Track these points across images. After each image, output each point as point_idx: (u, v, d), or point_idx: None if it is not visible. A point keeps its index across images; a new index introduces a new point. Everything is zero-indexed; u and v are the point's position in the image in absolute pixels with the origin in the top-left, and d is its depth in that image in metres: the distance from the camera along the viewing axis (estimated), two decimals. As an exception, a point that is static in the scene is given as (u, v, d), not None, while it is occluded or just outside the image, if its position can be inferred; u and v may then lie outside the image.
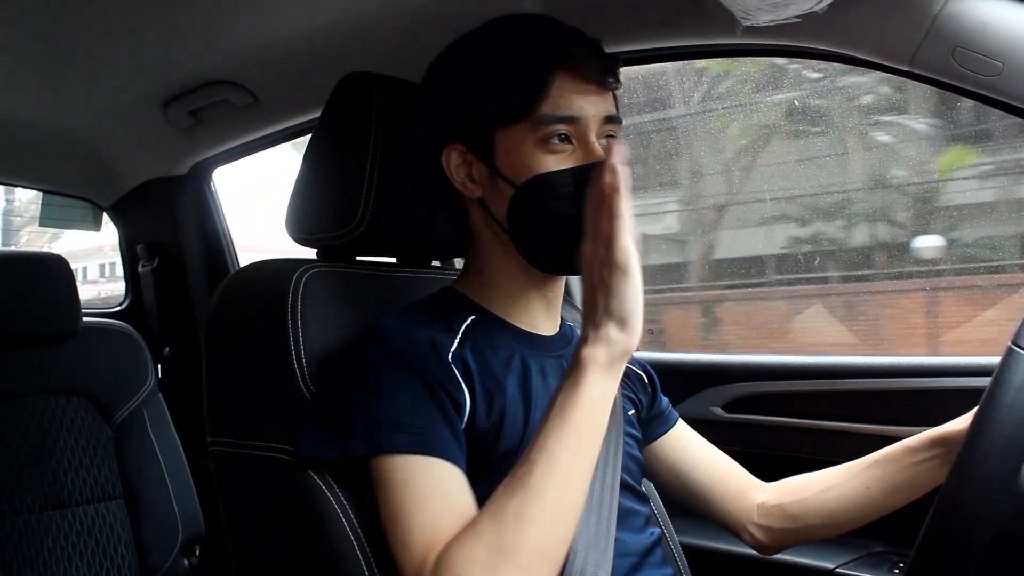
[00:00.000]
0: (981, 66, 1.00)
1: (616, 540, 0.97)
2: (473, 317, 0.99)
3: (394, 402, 0.87)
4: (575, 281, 1.66)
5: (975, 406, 0.84)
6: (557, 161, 0.93)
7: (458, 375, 0.92)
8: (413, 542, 0.82)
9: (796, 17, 1.02)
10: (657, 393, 1.20)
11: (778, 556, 1.34)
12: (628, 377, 1.16)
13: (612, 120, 0.97)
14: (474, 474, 0.90)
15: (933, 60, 1.03)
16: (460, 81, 0.99)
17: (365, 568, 0.91)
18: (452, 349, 0.94)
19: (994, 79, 1.00)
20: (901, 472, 1.05)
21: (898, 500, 1.05)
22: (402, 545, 0.83)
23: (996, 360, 0.84)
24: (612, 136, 0.98)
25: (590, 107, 0.94)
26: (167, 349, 2.18)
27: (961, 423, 1.01)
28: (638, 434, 1.12)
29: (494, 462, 0.91)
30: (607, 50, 0.99)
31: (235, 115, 1.77)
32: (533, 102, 0.92)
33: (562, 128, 0.93)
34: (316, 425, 0.92)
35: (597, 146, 0.94)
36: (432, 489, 0.84)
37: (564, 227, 0.93)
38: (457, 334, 0.96)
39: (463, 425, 0.90)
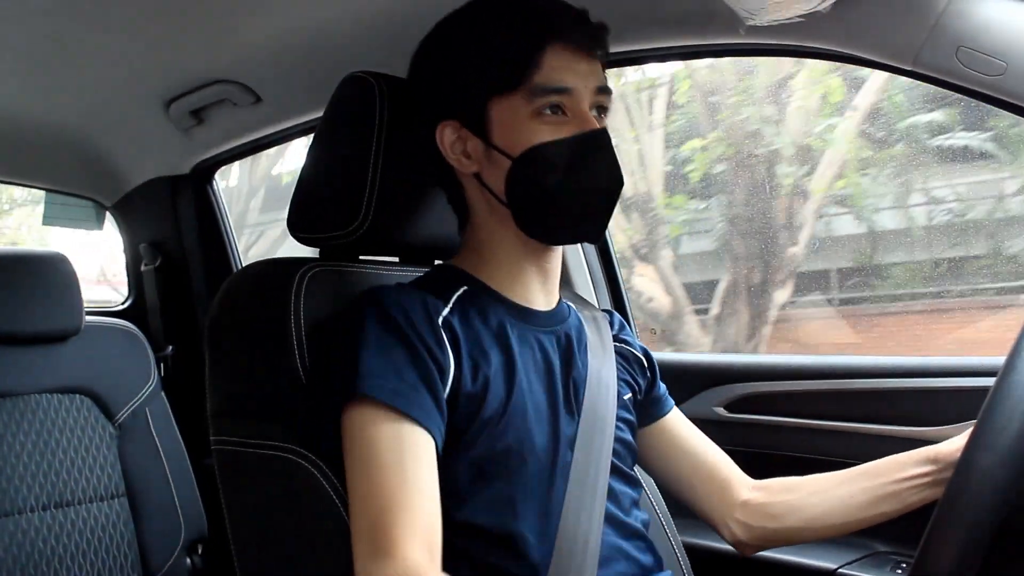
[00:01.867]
0: (985, 66, 1.00)
1: (605, 522, 0.98)
2: (466, 287, 1.01)
3: (377, 360, 0.88)
4: (574, 268, 1.66)
5: (977, 407, 0.84)
6: (552, 132, 0.94)
7: (446, 339, 0.93)
8: (365, 515, 0.84)
9: (799, 17, 1.02)
10: (656, 378, 1.20)
11: (780, 556, 1.35)
12: (627, 360, 1.16)
13: (603, 91, 0.98)
14: (464, 437, 0.92)
15: (936, 60, 1.03)
16: (452, 56, 0.99)
17: (368, 567, 0.91)
18: (443, 314, 0.95)
19: (997, 79, 1.00)
20: (889, 486, 1.04)
21: (882, 513, 1.05)
22: (356, 515, 0.85)
23: (998, 361, 0.84)
24: (603, 107, 1.00)
25: (582, 78, 0.95)
26: (170, 348, 2.18)
27: (955, 443, 1.01)
28: (632, 418, 1.11)
29: (480, 425, 0.93)
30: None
31: (237, 115, 1.77)
32: (526, 72, 0.93)
33: (556, 99, 0.94)
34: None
35: (591, 116, 0.96)
36: (396, 455, 0.85)
37: (562, 196, 0.95)
38: (449, 302, 0.98)
39: (447, 391, 0.92)
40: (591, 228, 1.02)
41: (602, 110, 1.00)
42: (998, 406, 0.80)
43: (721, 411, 1.54)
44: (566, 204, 0.96)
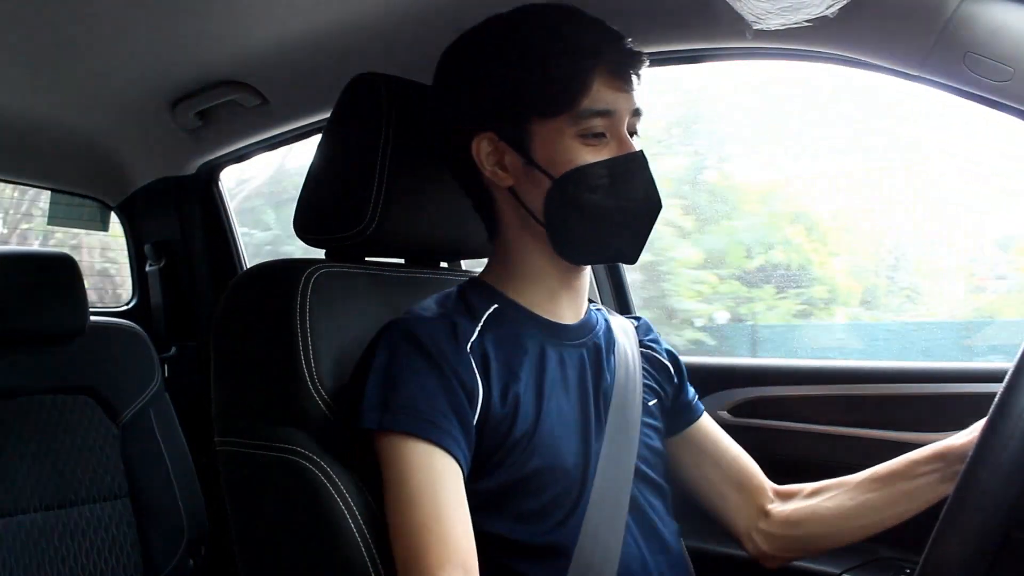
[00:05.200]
0: (992, 71, 1.00)
1: (630, 532, 0.98)
2: (496, 306, 1.01)
3: (410, 389, 0.90)
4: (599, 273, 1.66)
5: (984, 412, 0.84)
6: (593, 154, 0.96)
7: (474, 365, 0.94)
8: (402, 544, 0.87)
9: (807, 21, 1.02)
10: (684, 384, 1.19)
11: (784, 560, 1.34)
12: (652, 365, 1.15)
13: (636, 113, 1.00)
14: (490, 460, 0.93)
15: (944, 65, 1.03)
16: (496, 68, 0.98)
17: (371, 568, 0.91)
18: (472, 339, 0.96)
19: (1005, 84, 1.00)
20: (901, 485, 1.05)
21: (897, 513, 1.05)
22: (395, 544, 0.89)
23: (1004, 366, 0.84)
24: (635, 131, 1.01)
25: (623, 102, 0.97)
26: (173, 349, 2.18)
27: (963, 437, 1.01)
28: (659, 425, 1.11)
29: (508, 448, 0.94)
30: None
31: (243, 116, 1.77)
32: (576, 97, 0.94)
33: (599, 123, 0.95)
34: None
35: (629, 139, 0.98)
36: (428, 485, 0.88)
37: (602, 217, 0.96)
38: (479, 323, 0.98)
39: (476, 415, 0.93)
40: (628, 249, 1.02)
41: (634, 132, 1.01)
42: (999, 424, 0.80)
43: (726, 415, 1.54)
44: (605, 225, 0.97)
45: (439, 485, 0.88)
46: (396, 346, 0.93)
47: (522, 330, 1.00)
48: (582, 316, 1.07)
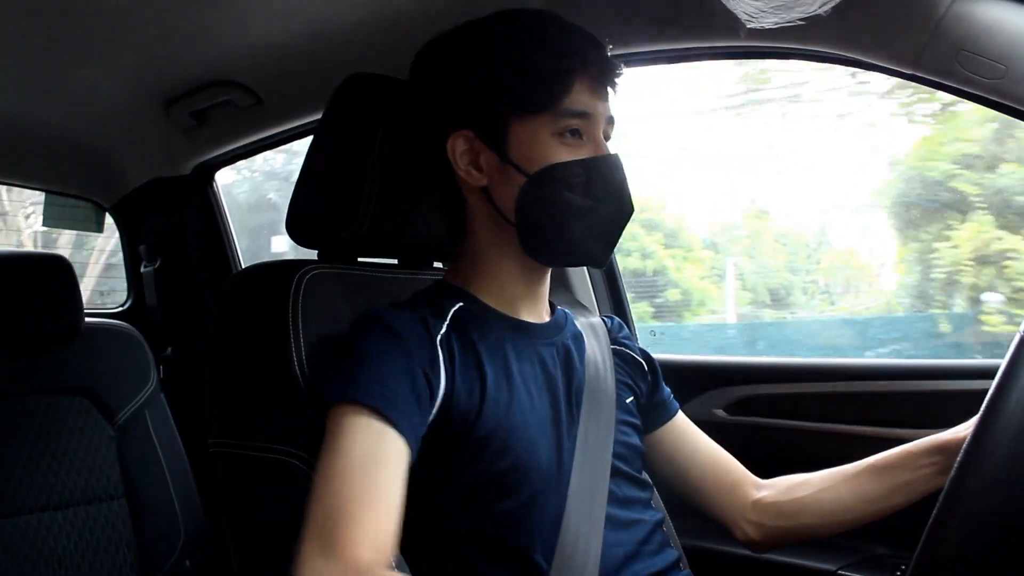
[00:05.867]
0: (985, 69, 1.00)
1: (611, 527, 0.98)
2: (461, 304, 1.01)
3: (376, 368, 0.89)
4: (574, 273, 1.66)
5: (977, 409, 0.84)
6: (570, 153, 0.97)
7: (441, 358, 0.94)
8: (321, 511, 0.82)
9: (800, 19, 1.02)
10: (658, 382, 1.20)
11: (780, 558, 1.34)
12: (627, 363, 1.16)
13: (610, 121, 1.02)
14: (460, 456, 0.93)
15: (937, 63, 1.03)
16: (479, 65, 0.99)
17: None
18: (441, 332, 0.96)
19: (998, 82, 1.00)
20: (898, 477, 1.06)
21: (893, 504, 1.06)
22: (313, 508, 0.82)
23: (999, 363, 0.84)
24: (609, 137, 1.02)
25: (601, 107, 0.99)
26: (169, 350, 2.18)
27: (962, 431, 1.02)
28: (636, 421, 1.12)
29: (473, 444, 0.93)
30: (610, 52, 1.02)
31: (238, 116, 1.77)
32: (557, 96, 0.96)
33: (577, 123, 0.97)
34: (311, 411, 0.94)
35: (605, 143, 1.00)
36: (371, 459, 0.84)
37: (572, 217, 0.97)
38: (446, 319, 0.98)
39: (436, 407, 0.92)
40: (597, 252, 1.03)
41: (608, 139, 1.02)
42: (989, 424, 0.80)
43: (721, 413, 1.54)
44: (577, 225, 0.98)
45: (378, 460, 0.85)
46: (368, 331, 0.93)
47: (490, 328, 1.01)
48: (546, 318, 1.08)
